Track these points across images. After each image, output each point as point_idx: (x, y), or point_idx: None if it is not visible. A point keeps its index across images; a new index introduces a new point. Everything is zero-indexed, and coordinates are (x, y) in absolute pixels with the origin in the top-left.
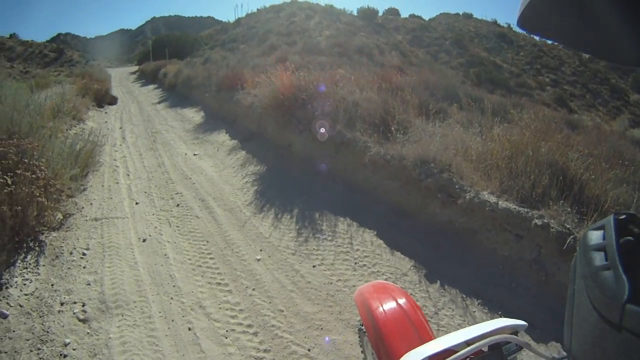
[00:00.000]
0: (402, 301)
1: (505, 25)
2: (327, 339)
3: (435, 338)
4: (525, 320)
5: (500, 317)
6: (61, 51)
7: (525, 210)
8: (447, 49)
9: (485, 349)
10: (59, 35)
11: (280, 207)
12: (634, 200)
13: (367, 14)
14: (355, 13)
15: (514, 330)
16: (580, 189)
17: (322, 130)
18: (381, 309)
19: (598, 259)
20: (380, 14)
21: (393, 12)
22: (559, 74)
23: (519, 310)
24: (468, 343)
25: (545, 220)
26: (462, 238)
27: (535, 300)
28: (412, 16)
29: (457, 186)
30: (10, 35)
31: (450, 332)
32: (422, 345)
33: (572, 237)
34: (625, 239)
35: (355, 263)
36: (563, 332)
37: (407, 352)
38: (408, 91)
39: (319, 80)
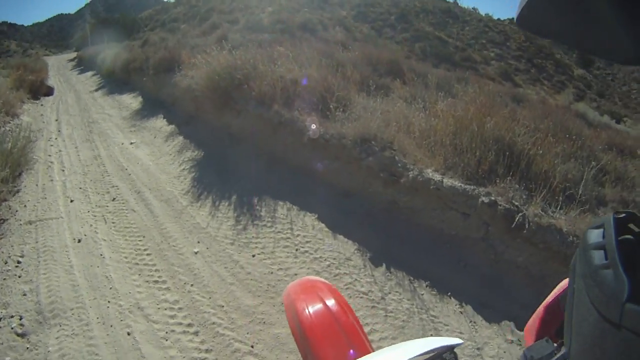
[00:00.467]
0: (330, 302)
1: (452, 1)
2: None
3: (367, 341)
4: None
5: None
6: None
7: (472, 187)
8: (392, 24)
9: None
10: None
11: (217, 193)
12: (583, 175)
13: None
14: None
15: (451, 349)
16: (528, 164)
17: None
18: (307, 311)
19: (598, 257)
20: None
21: None
22: (504, 48)
23: (468, 290)
24: None
25: (493, 198)
26: (407, 218)
27: (484, 279)
28: None
29: (399, 164)
30: None
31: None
32: None
33: (520, 214)
34: (625, 237)
35: (297, 250)
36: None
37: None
38: (349, 67)
39: (255, 59)
